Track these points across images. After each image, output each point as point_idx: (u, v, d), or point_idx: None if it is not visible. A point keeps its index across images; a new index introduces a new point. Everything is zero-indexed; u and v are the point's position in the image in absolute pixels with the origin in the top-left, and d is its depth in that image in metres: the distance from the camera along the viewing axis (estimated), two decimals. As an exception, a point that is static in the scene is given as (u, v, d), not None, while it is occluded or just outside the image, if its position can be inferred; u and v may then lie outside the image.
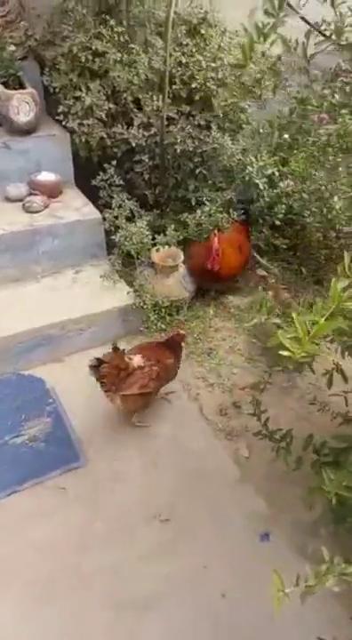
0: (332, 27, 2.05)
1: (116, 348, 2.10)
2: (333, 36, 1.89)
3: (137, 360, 2.18)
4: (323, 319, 0.99)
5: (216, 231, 2.86)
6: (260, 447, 2.08)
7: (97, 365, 2.06)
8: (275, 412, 2.23)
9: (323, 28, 1.99)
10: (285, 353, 0.97)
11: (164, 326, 2.73)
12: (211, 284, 3.09)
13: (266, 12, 0.88)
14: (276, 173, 3.28)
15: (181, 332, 2.34)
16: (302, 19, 1.14)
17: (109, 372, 2.07)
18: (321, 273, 3.35)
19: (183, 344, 2.38)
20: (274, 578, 0.97)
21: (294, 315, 1.02)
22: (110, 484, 2.04)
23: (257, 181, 3.20)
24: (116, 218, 2.88)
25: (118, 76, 2.84)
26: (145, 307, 2.66)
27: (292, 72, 4.48)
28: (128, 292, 2.72)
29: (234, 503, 1.99)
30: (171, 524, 1.90)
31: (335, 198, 2.82)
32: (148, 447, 2.19)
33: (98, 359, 2.06)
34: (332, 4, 1.87)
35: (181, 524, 1.91)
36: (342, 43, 2.08)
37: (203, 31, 3.16)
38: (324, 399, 2.26)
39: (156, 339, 2.57)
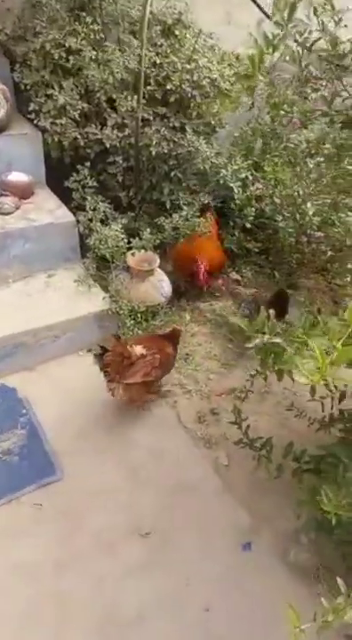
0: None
1: (117, 337, 2.15)
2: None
3: (138, 349, 2.18)
4: (339, 344, 0.97)
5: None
6: (240, 455, 2.08)
7: (101, 354, 2.06)
8: (252, 419, 2.22)
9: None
10: (303, 380, 0.95)
11: (140, 332, 2.69)
12: (193, 288, 3.12)
13: (276, 24, 0.86)
14: (250, 177, 3.30)
15: (178, 327, 2.46)
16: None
17: (113, 360, 2.07)
18: (293, 277, 3.38)
19: (180, 338, 2.45)
20: (290, 614, 0.95)
21: (310, 341, 1.00)
22: (89, 499, 1.98)
23: (231, 185, 3.21)
24: (91, 220, 2.81)
25: (93, 75, 2.77)
26: (121, 312, 2.61)
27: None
28: (103, 298, 2.66)
29: (215, 514, 1.98)
30: (152, 539, 1.87)
31: (308, 204, 2.84)
32: (127, 458, 2.15)
33: (102, 347, 2.07)
34: (315, 14, 1.89)
35: (163, 537, 1.88)
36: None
37: (177, 32, 3.13)
38: (300, 405, 2.29)
39: (153, 332, 2.62)
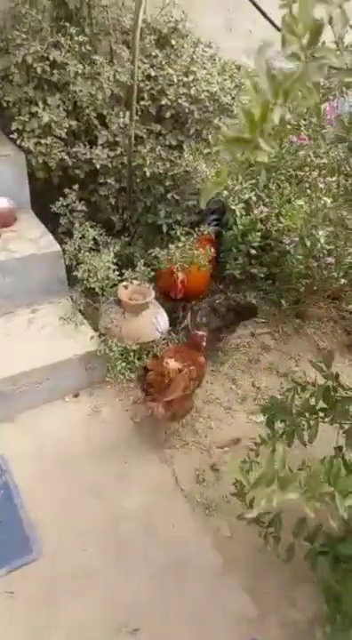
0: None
1: (155, 355, 2.13)
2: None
3: (173, 363, 2.11)
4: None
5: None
6: (244, 524, 1.80)
7: (144, 375, 2.03)
8: (256, 473, 1.96)
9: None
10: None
11: (132, 376, 2.43)
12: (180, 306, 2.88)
13: (291, 56, 0.57)
14: (254, 198, 3.03)
15: (199, 332, 2.31)
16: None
17: (155, 380, 2.03)
18: (302, 305, 3.11)
19: (204, 344, 2.31)
20: None
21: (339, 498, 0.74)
22: (69, 584, 1.71)
23: (233, 207, 2.94)
24: (79, 250, 2.55)
25: (80, 90, 2.52)
26: (112, 353, 2.35)
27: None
28: (91, 337, 2.40)
29: (215, 602, 1.70)
30: (141, 636, 1.60)
31: (320, 232, 2.57)
32: (114, 531, 1.88)
33: (144, 367, 2.05)
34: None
35: (153, 634, 1.61)
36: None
37: (173, 42, 2.89)
38: (312, 459, 2.00)
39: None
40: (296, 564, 1.60)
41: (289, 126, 2.95)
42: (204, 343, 2.31)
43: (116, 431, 2.27)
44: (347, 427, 1.41)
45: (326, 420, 1.44)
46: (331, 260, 2.83)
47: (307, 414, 1.44)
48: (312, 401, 1.44)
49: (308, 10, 0.54)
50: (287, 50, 0.56)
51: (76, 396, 2.40)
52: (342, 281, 2.85)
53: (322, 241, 2.56)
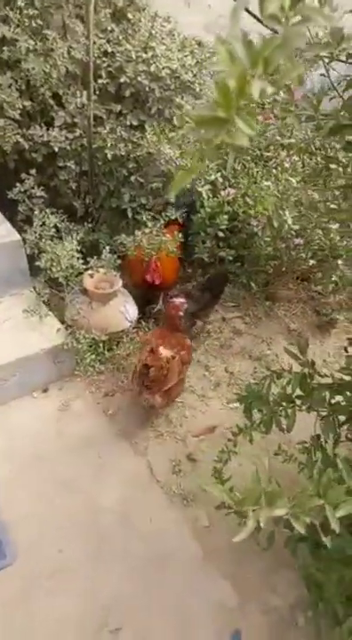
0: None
1: (151, 350, 2.04)
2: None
3: (165, 351, 2.09)
4: None
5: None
6: (222, 513, 1.78)
7: (146, 372, 2.02)
8: (235, 463, 1.93)
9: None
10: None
11: (102, 368, 2.35)
12: (152, 295, 2.79)
13: (270, 18, 0.49)
14: (220, 179, 2.97)
15: (176, 300, 2.27)
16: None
17: (157, 375, 2.03)
18: (271, 288, 3.09)
19: (180, 313, 2.27)
20: None
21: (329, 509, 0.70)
22: (46, 584, 1.66)
23: (200, 189, 2.87)
24: (40, 238, 2.43)
25: (33, 68, 2.37)
26: (80, 346, 2.26)
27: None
28: (58, 330, 2.31)
29: (197, 593, 1.69)
30: (123, 635, 1.56)
31: (287, 212, 2.53)
32: (91, 528, 1.83)
33: (145, 365, 2.02)
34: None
35: (136, 631, 1.58)
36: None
37: (130, 15, 2.74)
38: (290, 445, 1.99)
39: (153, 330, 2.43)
40: (276, 551, 1.59)
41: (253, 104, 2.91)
42: (181, 312, 2.27)
43: (89, 425, 2.21)
44: (324, 414, 1.39)
45: (303, 408, 1.41)
46: (299, 241, 2.80)
47: (284, 403, 1.41)
48: (288, 389, 1.41)
49: None
50: (265, 10, 0.49)
51: (45, 391, 2.31)
52: (311, 262, 2.84)
53: (289, 222, 2.53)
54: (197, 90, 2.79)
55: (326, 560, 1.52)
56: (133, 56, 2.58)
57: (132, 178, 2.78)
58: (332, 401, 1.38)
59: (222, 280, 2.90)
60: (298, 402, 1.41)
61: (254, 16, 0.57)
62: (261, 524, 0.83)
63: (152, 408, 2.17)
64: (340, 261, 2.73)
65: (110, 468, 2.04)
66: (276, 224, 2.62)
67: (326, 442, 1.61)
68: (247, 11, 0.61)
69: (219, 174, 2.95)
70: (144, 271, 2.68)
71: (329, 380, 1.45)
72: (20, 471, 1.98)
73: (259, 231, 2.91)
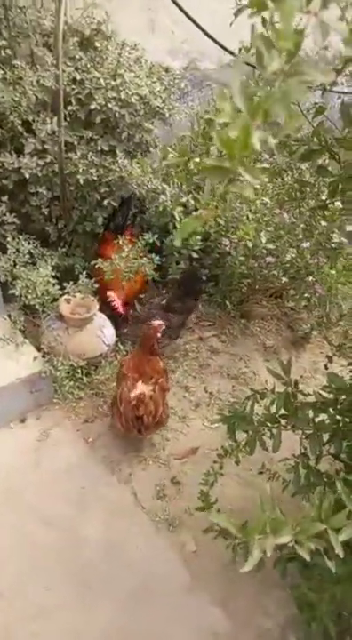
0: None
1: (140, 399, 2.04)
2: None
3: (145, 388, 2.08)
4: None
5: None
6: (209, 536, 1.77)
7: (141, 422, 2.05)
8: (218, 484, 1.92)
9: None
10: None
11: (81, 394, 2.32)
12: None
13: (272, 75, 0.48)
14: (192, 201, 3.01)
15: (151, 325, 2.21)
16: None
17: (149, 419, 2.07)
18: (245, 306, 3.13)
19: (159, 335, 2.24)
20: None
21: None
22: (29, 625, 1.60)
23: (173, 212, 2.90)
24: (14, 265, 2.40)
25: (2, 97, 2.36)
26: (58, 373, 2.23)
27: (193, 86, 4.30)
28: (35, 358, 2.27)
29: (188, 622, 1.66)
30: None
31: (262, 233, 2.59)
32: (74, 562, 1.78)
33: (137, 417, 2.04)
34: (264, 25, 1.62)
35: (127, 666, 1.53)
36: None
37: (97, 44, 2.78)
38: (270, 466, 2.00)
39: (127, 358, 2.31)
40: (265, 571, 1.57)
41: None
42: (160, 334, 2.26)
43: (69, 454, 2.16)
44: (308, 432, 1.41)
45: (288, 427, 1.43)
46: (271, 259, 2.86)
47: (269, 423, 1.42)
48: (273, 409, 1.42)
49: (289, 20, 0.49)
50: (267, 68, 0.51)
51: (22, 421, 2.26)
52: (283, 279, 2.90)
53: (263, 241, 2.59)
54: (166, 115, 2.85)
55: (317, 579, 1.53)
56: (102, 83, 2.61)
57: (105, 202, 2.79)
58: (316, 419, 1.40)
59: (195, 278, 2.88)
60: (282, 421, 1.42)
61: (253, 66, 0.59)
62: (268, 554, 0.83)
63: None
64: (311, 278, 2.81)
65: (93, 498, 1.99)
66: (250, 245, 2.68)
67: (309, 458, 1.63)
68: (247, 64, 0.63)
69: (190, 196, 2.99)
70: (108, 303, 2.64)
71: (312, 399, 1.47)
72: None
73: (231, 250, 2.96)
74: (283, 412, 1.43)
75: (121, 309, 2.66)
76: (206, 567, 1.80)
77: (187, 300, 2.80)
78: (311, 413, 1.41)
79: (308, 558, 0.85)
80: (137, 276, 2.69)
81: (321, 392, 1.47)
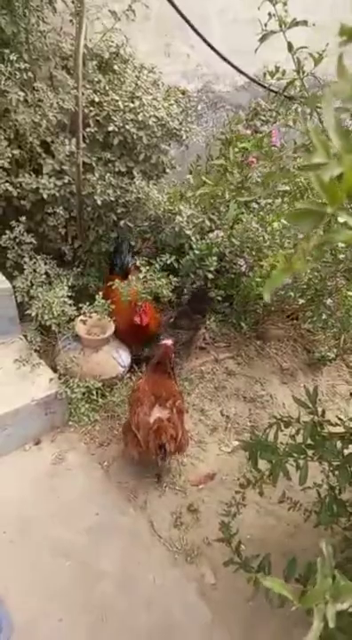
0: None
1: (161, 429, 1.96)
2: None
3: (163, 412, 2.04)
4: None
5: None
6: (229, 568, 1.70)
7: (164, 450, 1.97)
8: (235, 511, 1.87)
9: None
10: None
11: (96, 416, 2.28)
12: (140, 341, 2.70)
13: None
14: (207, 222, 3.00)
15: (166, 343, 2.21)
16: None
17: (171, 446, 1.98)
18: (261, 327, 3.09)
19: (172, 355, 2.26)
20: None
21: None
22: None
23: (188, 232, 2.90)
24: (31, 285, 2.39)
25: (24, 119, 2.38)
26: (73, 395, 2.20)
27: (207, 107, 4.34)
28: (51, 379, 2.24)
29: (208, 661, 1.59)
30: None
31: (269, 251, 2.57)
32: (89, 595, 1.72)
33: (160, 446, 1.96)
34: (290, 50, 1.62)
35: None
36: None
37: (116, 67, 2.81)
38: (291, 494, 1.94)
39: (144, 374, 2.34)
40: (286, 606, 1.52)
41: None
42: (173, 354, 2.25)
43: (84, 479, 2.12)
44: (336, 464, 1.36)
45: (315, 458, 1.38)
46: (287, 280, 2.83)
47: (295, 453, 1.38)
48: (299, 438, 1.38)
49: None
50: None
51: (37, 443, 2.22)
52: (300, 301, 2.87)
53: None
54: (183, 137, 2.86)
55: (346, 618, 1.46)
56: (121, 105, 2.63)
57: (122, 222, 2.79)
58: (345, 451, 1.35)
59: (203, 296, 2.85)
60: (309, 452, 1.38)
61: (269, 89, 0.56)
62: (330, 624, 0.77)
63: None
64: (329, 300, 2.77)
65: (109, 527, 1.94)
66: (265, 265, 2.65)
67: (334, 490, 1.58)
68: (262, 85, 0.60)
69: (205, 216, 2.98)
70: (131, 314, 2.59)
71: (340, 429, 1.43)
72: (9, 536, 1.86)
73: (246, 271, 2.94)
74: (309, 441, 1.39)
75: (143, 316, 2.54)
76: (226, 601, 1.74)
77: (194, 317, 2.78)
78: (339, 445, 1.36)
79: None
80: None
81: (348, 422, 1.42)
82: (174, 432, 1.99)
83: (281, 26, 1.65)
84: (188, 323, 2.76)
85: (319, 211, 0.45)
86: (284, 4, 1.67)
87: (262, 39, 1.55)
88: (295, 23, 1.63)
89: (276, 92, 3.63)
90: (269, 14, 1.66)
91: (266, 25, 1.59)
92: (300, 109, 1.60)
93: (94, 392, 2.31)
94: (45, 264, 2.50)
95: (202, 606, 1.72)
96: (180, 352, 2.68)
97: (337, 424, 1.47)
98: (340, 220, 0.46)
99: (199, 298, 2.82)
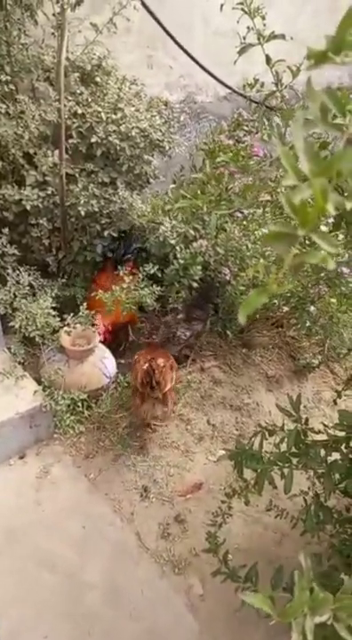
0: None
1: (151, 359, 2.21)
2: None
3: (160, 361, 2.23)
4: None
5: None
6: (217, 578, 1.70)
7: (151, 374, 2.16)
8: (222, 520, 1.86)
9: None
10: None
11: (82, 428, 2.27)
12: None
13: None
14: (191, 231, 3.02)
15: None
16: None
17: (159, 378, 2.17)
18: (246, 335, 3.11)
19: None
20: None
21: None
22: None
23: (172, 241, 2.91)
24: (15, 297, 2.38)
25: (6, 131, 2.38)
26: (58, 407, 2.18)
27: (190, 118, 4.38)
28: (35, 392, 2.22)
29: (197, 674, 1.57)
30: None
31: (261, 260, 2.59)
32: (75, 609, 1.70)
33: (148, 371, 2.16)
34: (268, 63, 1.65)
35: None
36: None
37: (98, 79, 2.83)
38: (278, 502, 1.94)
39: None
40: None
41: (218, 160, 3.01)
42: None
43: (70, 492, 2.10)
44: (320, 471, 1.37)
45: (299, 466, 1.39)
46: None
47: (279, 462, 1.38)
48: (283, 447, 1.38)
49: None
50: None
51: (21, 457, 2.19)
52: (284, 308, 2.89)
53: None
54: (166, 147, 2.88)
55: (329, 628, 1.46)
56: (103, 117, 2.64)
57: (106, 233, 2.80)
58: (329, 458, 1.36)
59: (211, 286, 2.97)
60: (294, 460, 1.38)
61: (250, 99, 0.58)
62: (309, 638, 0.78)
63: (154, 420, 2.31)
64: (312, 308, 2.80)
65: (95, 539, 1.92)
66: (250, 274, 2.67)
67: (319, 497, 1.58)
68: (243, 96, 0.61)
69: (188, 227, 3.00)
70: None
71: (323, 437, 1.44)
72: (-4, 548, 1.84)
73: (231, 279, 2.96)
74: (293, 450, 1.39)
75: (102, 336, 2.57)
76: (214, 612, 1.73)
77: (205, 306, 2.92)
78: (323, 452, 1.37)
79: (349, 638, 0.79)
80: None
81: (332, 430, 1.43)
82: (162, 379, 2.18)
83: (259, 39, 1.68)
84: (200, 313, 2.89)
85: (292, 233, 0.46)
86: (263, 17, 1.71)
87: (241, 52, 1.57)
88: (273, 36, 1.67)
89: (257, 103, 3.69)
90: (248, 27, 1.70)
91: (244, 38, 1.62)
92: (274, 123, 1.62)
93: (80, 403, 2.30)
94: (29, 275, 2.49)
95: (189, 618, 1.71)
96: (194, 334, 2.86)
97: (320, 431, 1.48)
98: (319, 244, 0.47)
99: (208, 288, 2.93)
